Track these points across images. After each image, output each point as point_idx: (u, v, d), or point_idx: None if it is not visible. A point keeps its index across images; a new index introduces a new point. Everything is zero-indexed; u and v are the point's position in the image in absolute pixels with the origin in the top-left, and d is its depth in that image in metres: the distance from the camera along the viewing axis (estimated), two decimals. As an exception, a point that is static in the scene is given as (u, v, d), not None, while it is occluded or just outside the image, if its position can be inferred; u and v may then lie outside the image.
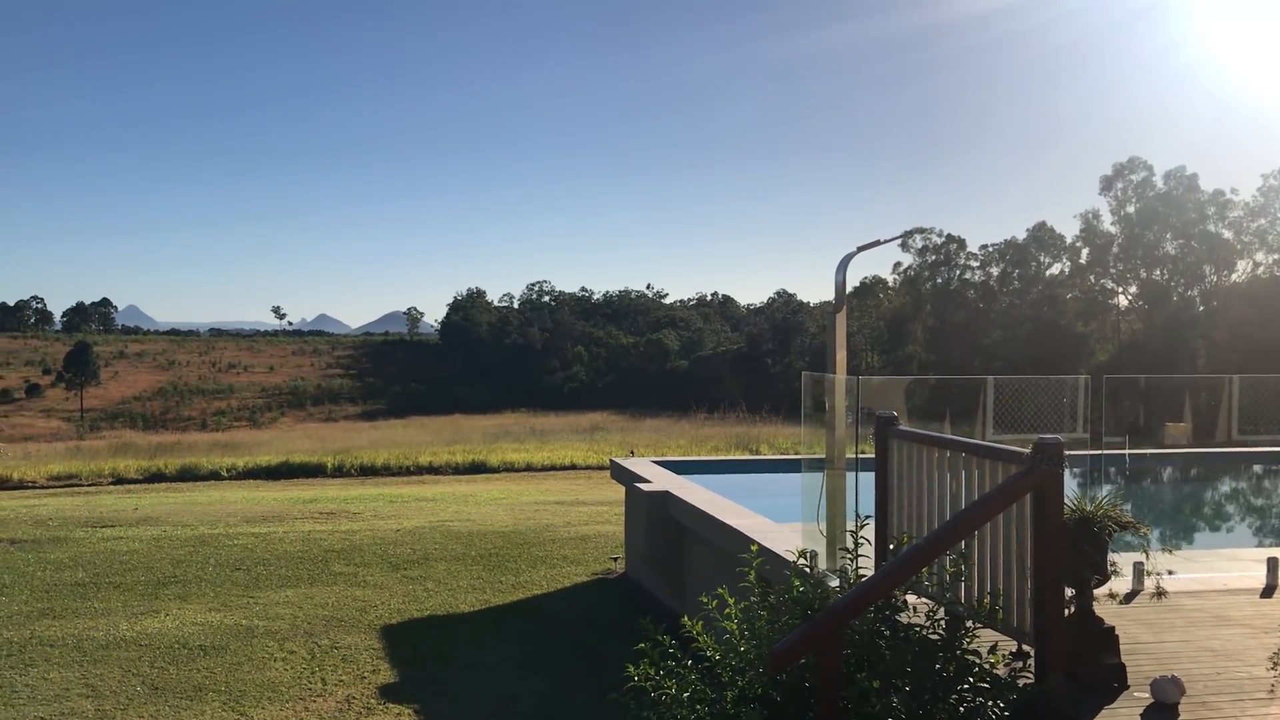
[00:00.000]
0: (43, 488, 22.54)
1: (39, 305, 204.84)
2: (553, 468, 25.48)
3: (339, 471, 24.37)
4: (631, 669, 4.14)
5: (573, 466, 25.66)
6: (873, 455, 5.38)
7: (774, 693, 3.84)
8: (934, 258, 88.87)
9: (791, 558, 5.43)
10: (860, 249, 5.58)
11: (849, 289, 6.00)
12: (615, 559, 10.54)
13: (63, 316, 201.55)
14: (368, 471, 24.48)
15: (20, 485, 22.24)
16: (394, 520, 14.13)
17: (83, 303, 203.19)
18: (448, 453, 27.51)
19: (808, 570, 4.36)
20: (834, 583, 4.67)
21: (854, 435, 5.30)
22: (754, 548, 4.64)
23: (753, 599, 4.37)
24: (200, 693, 6.43)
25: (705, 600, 4.37)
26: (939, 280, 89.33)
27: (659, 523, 8.26)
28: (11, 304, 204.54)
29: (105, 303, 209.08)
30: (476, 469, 25.11)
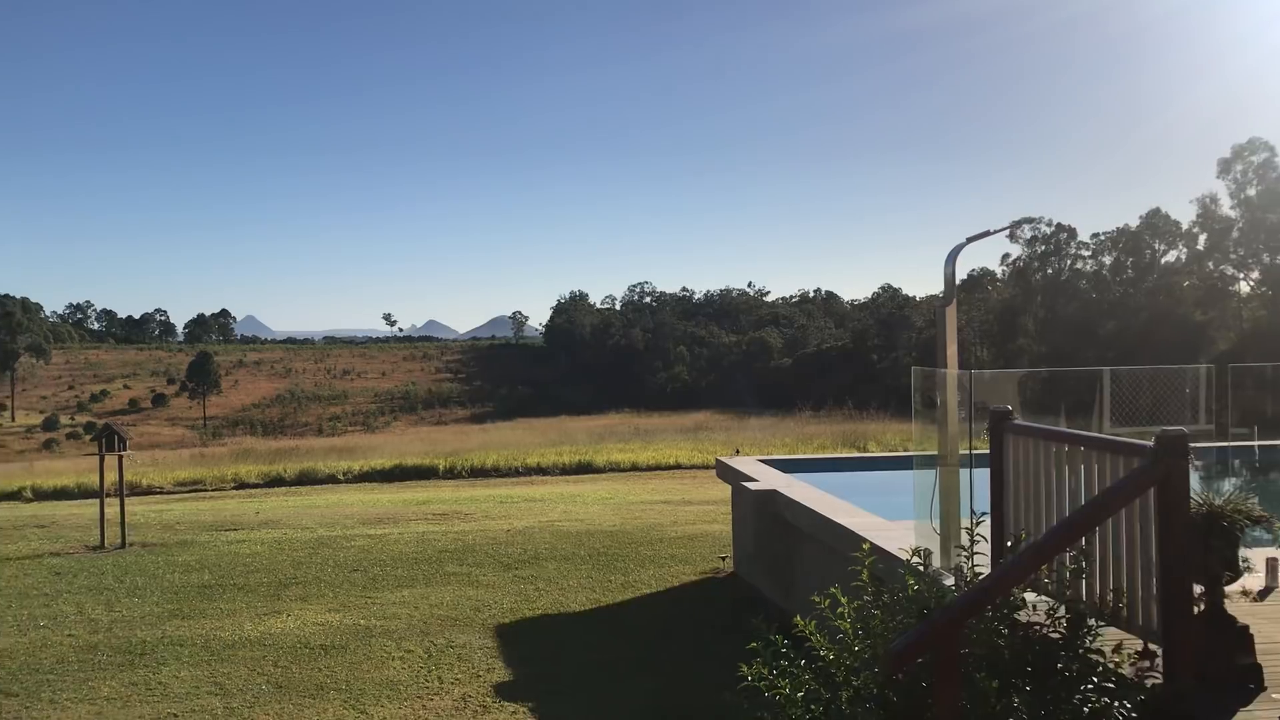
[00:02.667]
0: (170, 493, 23.44)
1: (162, 318, 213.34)
2: (658, 467, 25.55)
3: (450, 473, 24.82)
4: (745, 668, 4.12)
5: (678, 466, 25.69)
6: (986, 451, 5.27)
7: (890, 692, 3.78)
8: (1043, 248, 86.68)
9: (904, 556, 5.35)
10: (969, 240, 5.47)
11: (958, 281, 5.88)
12: (723, 558, 10.52)
13: (184, 328, 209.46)
14: (478, 473, 24.88)
15: (149, 491, 23.11)
16: (504, 521, 14.32)
17: (203, 314, 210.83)
18: (555, 454, 27.80)
19: (922, 569, 4.29)
20: (949, 581, 4.58)
21: (968, 431, 5.19)
22: (866, 546, 4.58)
23: (866, 598, 4.32)
24: (322, 691, 6.60)
25: (817, 599, 4.33)
26: (1049, 271, 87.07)
27: (767, 522, 8.22)
28: (137, 317, 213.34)
29: (224, 314, 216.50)
30: (583, 469, 25.32)
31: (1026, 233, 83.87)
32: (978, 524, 4.48)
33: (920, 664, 3.74)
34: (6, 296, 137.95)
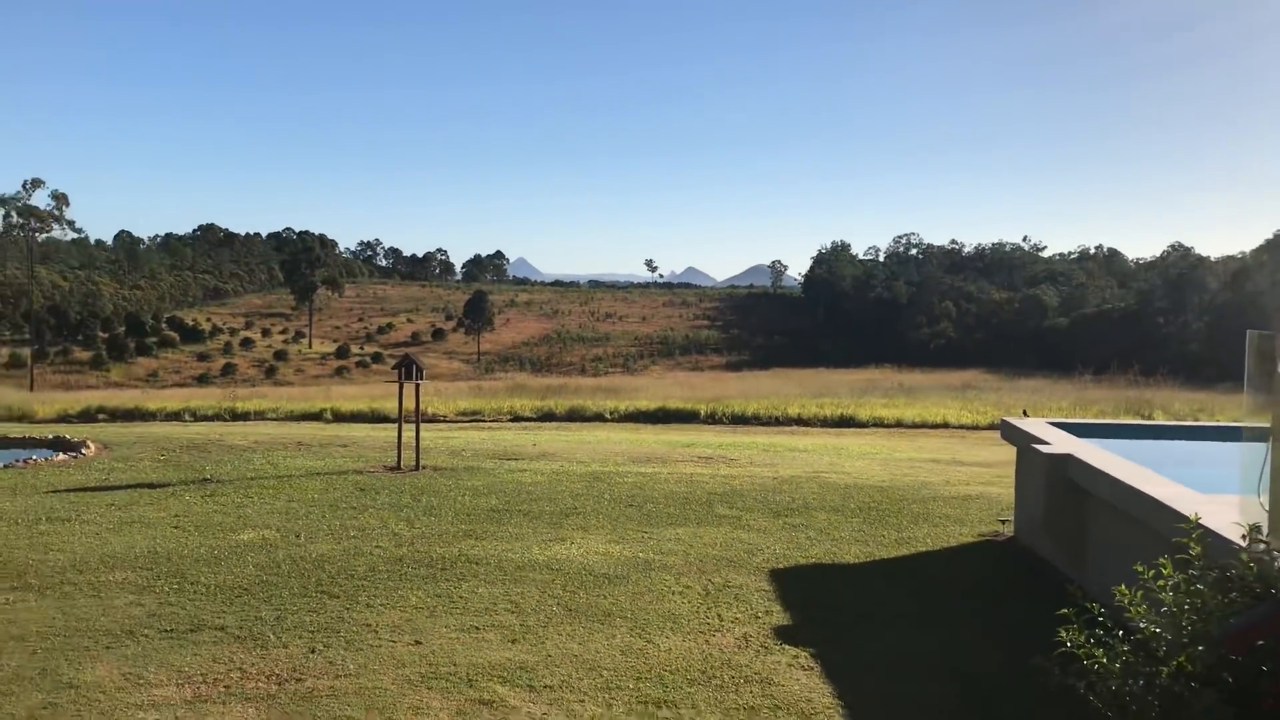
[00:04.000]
0: (452, 421, 24.96)
1: (443, 257, 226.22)
2: (924, 425, 24.95)
3: (711, 418, 25.17)
4: (1064, 633, 3.97)
5: (945, 425, 24.99)
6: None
7: (1225, 673, 3.55)
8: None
9: (1223, 532, 4.99)
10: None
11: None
12: (1003, 521, 10.16)
13: (462, 268, 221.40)
14: (739, 420, 25.11)
15: (433, 419, 24.66)
16: (770, 468, 14.39)
17: (480, 255, 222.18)
18: (816, 405, 27.65)
19: (1265, 545, 3.98)
20: (1277, 563, 4.24)
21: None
22: (1195, 517, 4.29)
23: (1192, 572, 4.05)
24: (609, 617, 6.87)
25: (1141, 570, 4.10)
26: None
27: (1059, 487, 7.85)
28: (420, 256, 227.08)
29: (499, 255, 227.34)
30: (845, 423, 25.06)
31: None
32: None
33: (1261, 646, 3.48)
34: (306, 233, 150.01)
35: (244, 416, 25.05)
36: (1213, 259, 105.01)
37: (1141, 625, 3.93)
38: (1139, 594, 3.97)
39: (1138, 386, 31.76)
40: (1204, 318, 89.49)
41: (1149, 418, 24.70)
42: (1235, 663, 3.52)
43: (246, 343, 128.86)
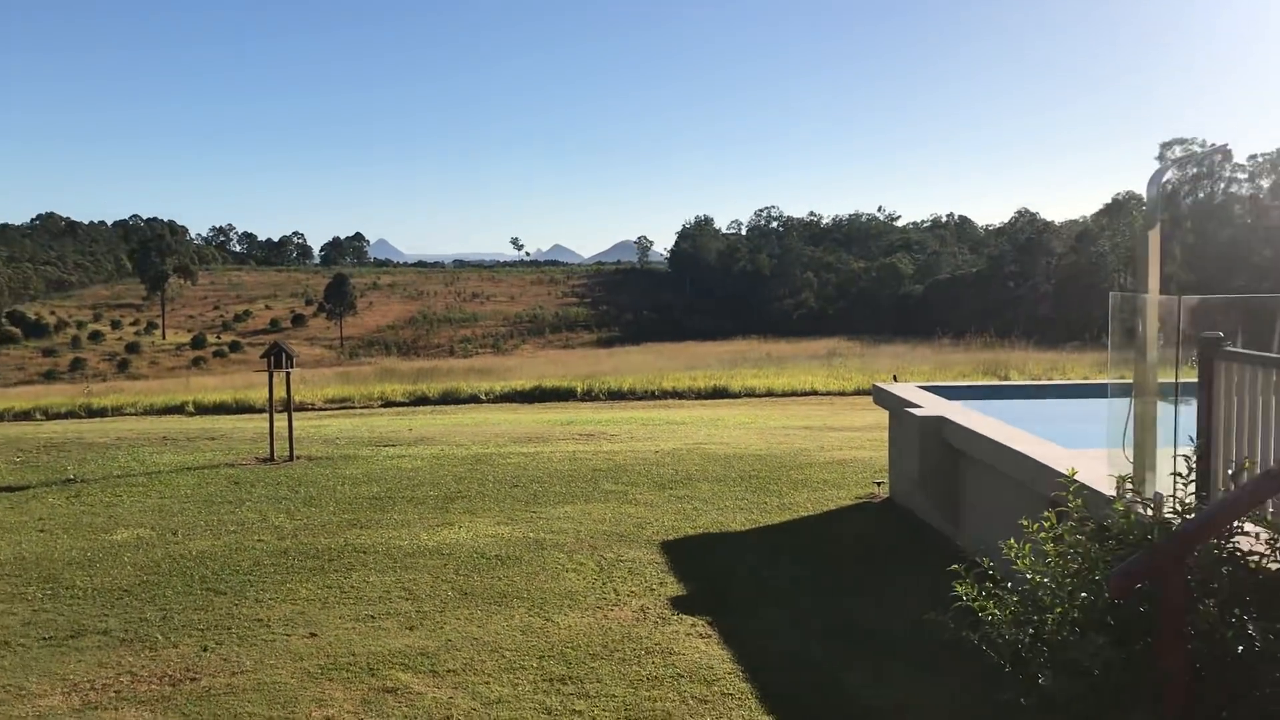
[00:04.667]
0: (322, 409, 24.41)
1: (299, 241, 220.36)
2: (794, 393, 25.52)
3: (588, 395, 25.25)
4: (960, 587, 4.15)
5: (814, 392, 25.61)
6: (1174, 380, 5.14)
7: (1109, 617, 3.77)
8: (1194, 170, 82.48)
9: (1099, 485, 5.28)
10: (1173, 162, 5.27)
11: (1158, 206, 5.68)
12: (879, 483, 10.50)
13: (321, 251, 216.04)
14: (614, 396, 25.24)
15: (301, 407, 24.06)
16: (650, 442, 14.53)
17: (338, 238, 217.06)
18: (689, 378, 27.99)
19: (1135, 496, 4.24)
20: (1141, 509, 4.52)
21: (1174, 359, 5.04)
22: (1072, 471, 4.54)
23: (1071, 524, 4.29)
24: (505, 598, 6.88)
25: (1025, 524, 4.32)
26: (1200, 195, 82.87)
27: (934, 448, 8.16)
28: (276, 240, 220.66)
29: (359, 237, 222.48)
30: (718, 394, 25.45)
31: (1176, 152, 79.70)
32: (1186, 455, 4.40)
33: (1140, 590, 3.71)
34: (155, 220, 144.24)
35: (101, 413, 24.00)
36: (1057, 224, 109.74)
37: (1028, 577, 4.14)
38: (1026, 546, 4.18)
39: (993, 348, 33.13)
40: (1051, 280, 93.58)
41: (1005, 378, 25.79)
42: (1117, 607, 3.74)
43: (95, 336, 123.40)
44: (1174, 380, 5.01)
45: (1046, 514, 4.26)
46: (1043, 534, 4.29)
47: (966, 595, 4.12)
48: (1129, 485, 4.40)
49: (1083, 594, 3.95)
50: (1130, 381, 5.43)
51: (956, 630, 4.18)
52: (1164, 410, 5.27)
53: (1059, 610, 3.97)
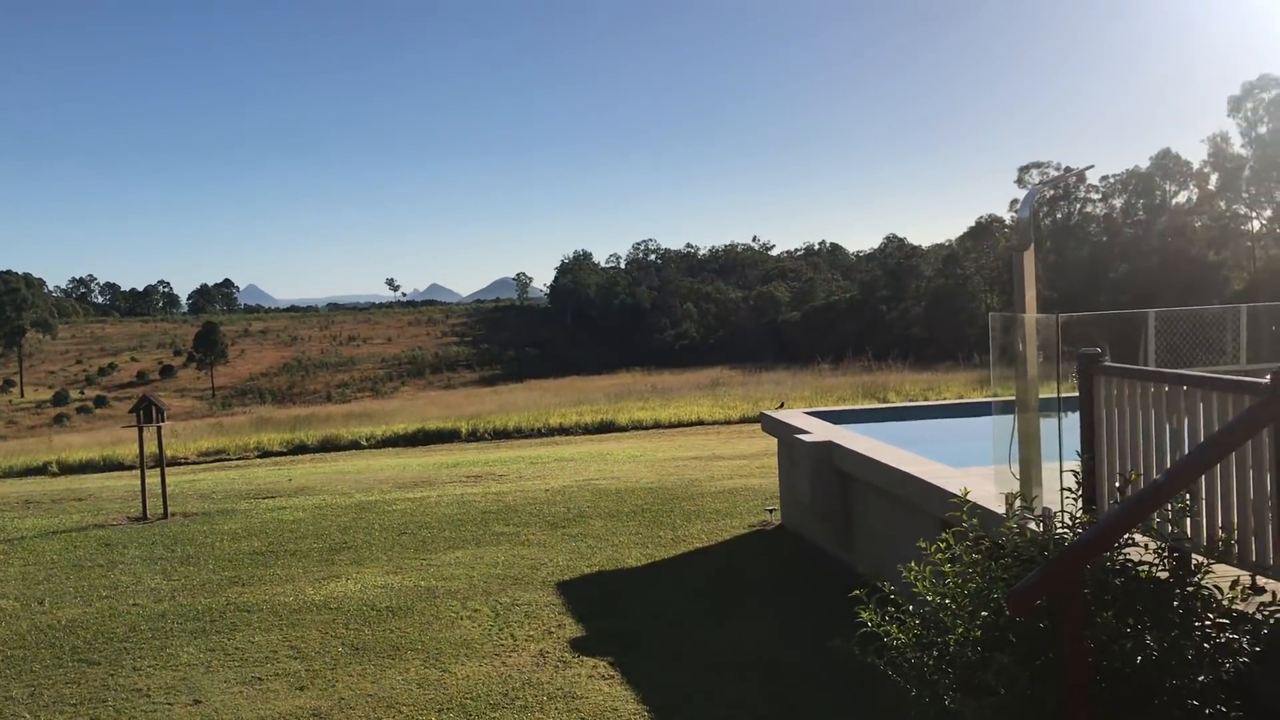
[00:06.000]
0: (195, 463, 23.52)
1: (166, 289, 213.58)
2: (680, 424, 25.61)
3: (473, 436, 24.88)
4: (864, 614, 4.14)
5: (700, 422, 25.73)
6: (1053, 396, 5.27)
7: (1010, 634, 3.80)
8: (1052, 192, 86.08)
9: (989, 503, 5.36)
10: (1045, 183, 5.43)
11: (1029, 225, 5.84)
12: (771, 510, 10.55)
13: (188, 299, 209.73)
14: (501, 435, 24.94)
15: (173, 462, 23.15)
16: (540, 480, 14.36)
17: (206, 284, 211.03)
18: (576, 414, 27.85)
19: (1028, 513, 4.30)
20: (1033, 525, 4.59)
21: (1055, 375, 5.17)
22: (964, 491, 4.59)
23: (967, 543, 4.33)
24: (399, 651, 6.65)
25: (924, 546, 4.34)
26: (1058, 215, 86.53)
27: (824, 473, 8.23)
28: (141, 289, 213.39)
29: (228, 284, 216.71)
30: (605, 428, 25.38)
31: (1034, 177, 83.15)
32: (1072, 469, 4.49)
33: (1039, 606, 3.75)
34: (9, 273, 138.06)
35: (-47, 478, 22.66)
36: (925, 248, 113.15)
37: (928, 598, 4.16)
38: (926, 568, 4.20)
39: (871, 371, 33.84)
40: (922, 302, 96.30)
41: (884, 400, 26.36)
42: (1018, 624, 3.78)
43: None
44: (1055, 395, 5.13)
45: (945, 534, 4.29)
46: (939, 554, 4.32)
47: (871, 620, 4.11)
48: (1019, 502, 4.47)
49: (983, 613, 3.98)
50: (1012, 398, 5.55)
51: (861, 656, 4.17)
52: (1046, 425, 5.39)
53: (960, 630, 3.99)
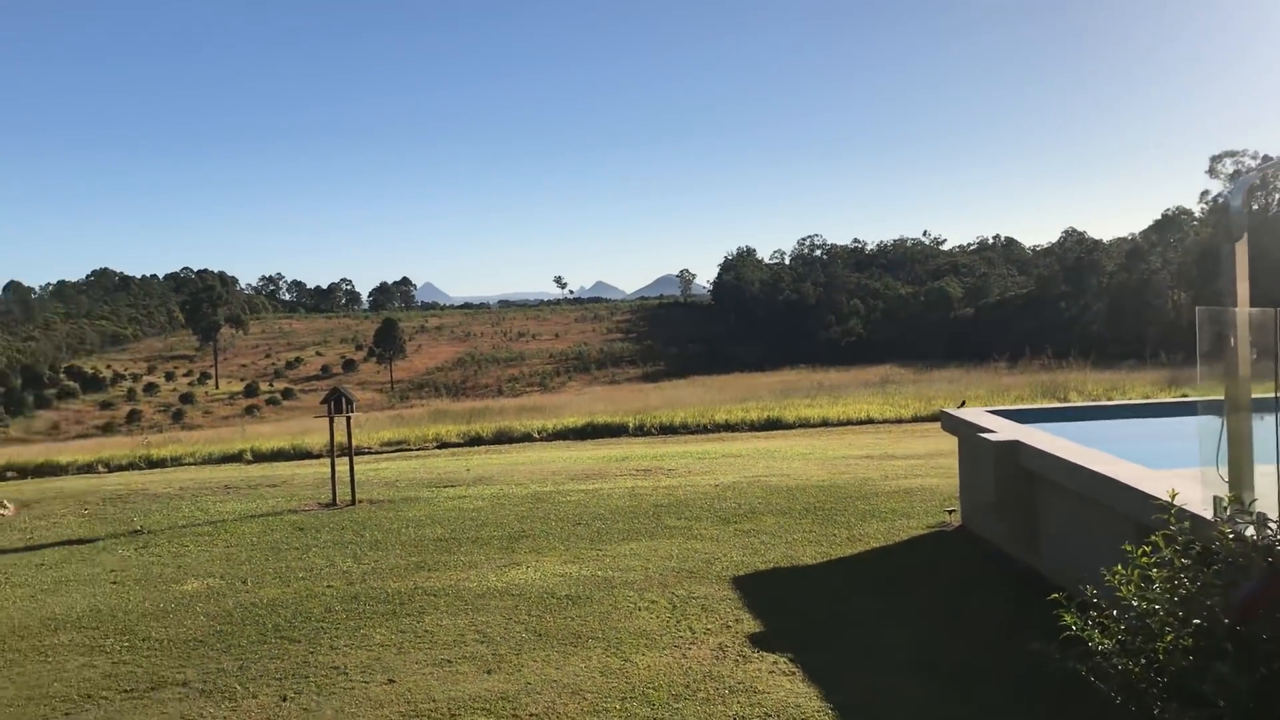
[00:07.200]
0: (378, 453, 24.51)
1: (348, 287, 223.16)
2: (849, 422, 25.23)
3: (640, 431, 25.12)
4: (1067, 617, 4.01)
5: (870, 421, 25.30)
6: (1275, 394, 4.96)
7: (1227, 643, 3.61)
8: (1257, 180, 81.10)
9: (1194, 507, 5.10)
10: (1259, 169, 5.11)
11: (1237, 214, 5.53)
12: (950, 511, 10.30)
13: (369, 296, 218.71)
14: (667, 430, 25.10)
15: (358, 451, 24.17)
16: (709, 476, 14.40)
17: (386, 283, 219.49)
18: (742, 410, 27.78)
19: (1241, 516, 4.08)
20: (1249, 531, 4.35)
21: (1275, 372, 4.88)
22: (1172, 494, 4.38)
23: (1176, 548, 4.13)
24: (580, 639, 6.78)
25: (1129, 549, 4.17)
26: (1253, 206, 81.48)
27: (1009, 473, 7.98)
28: (325, 287, 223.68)
29: (405, 282, 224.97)
30: (772, 425, 25.22)
31: (1228, 166, 78.55)
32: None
33: (1263, 615, 3.56)
34: (206, 272, 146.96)
35: (160, 463, 24.25)
36: (1106, 242, 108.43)
37: (1134, 604, 3.99)
38: (1135, 572, 4.03)
39: (1050, 370, 32.61)
40: (1103, 299, 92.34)
41: (1065, 399, 25.37)
42: (1237, 633, 3.59)
43: (150, 388, 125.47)
44: (1274, 395, 4.84)
45: (1154, 537, 4.10)
46: (1145, 559, 4.14)
47: (1074, 624, 3.97)
48: (1232, 506, 4.24)
49: (1194, 620, 3.80)
50: (1218, 397, 5.26)
51: (1062, 661, 4.03)
52: (1260, 426, 5.09)
53: (1169, 637, 3.82)
